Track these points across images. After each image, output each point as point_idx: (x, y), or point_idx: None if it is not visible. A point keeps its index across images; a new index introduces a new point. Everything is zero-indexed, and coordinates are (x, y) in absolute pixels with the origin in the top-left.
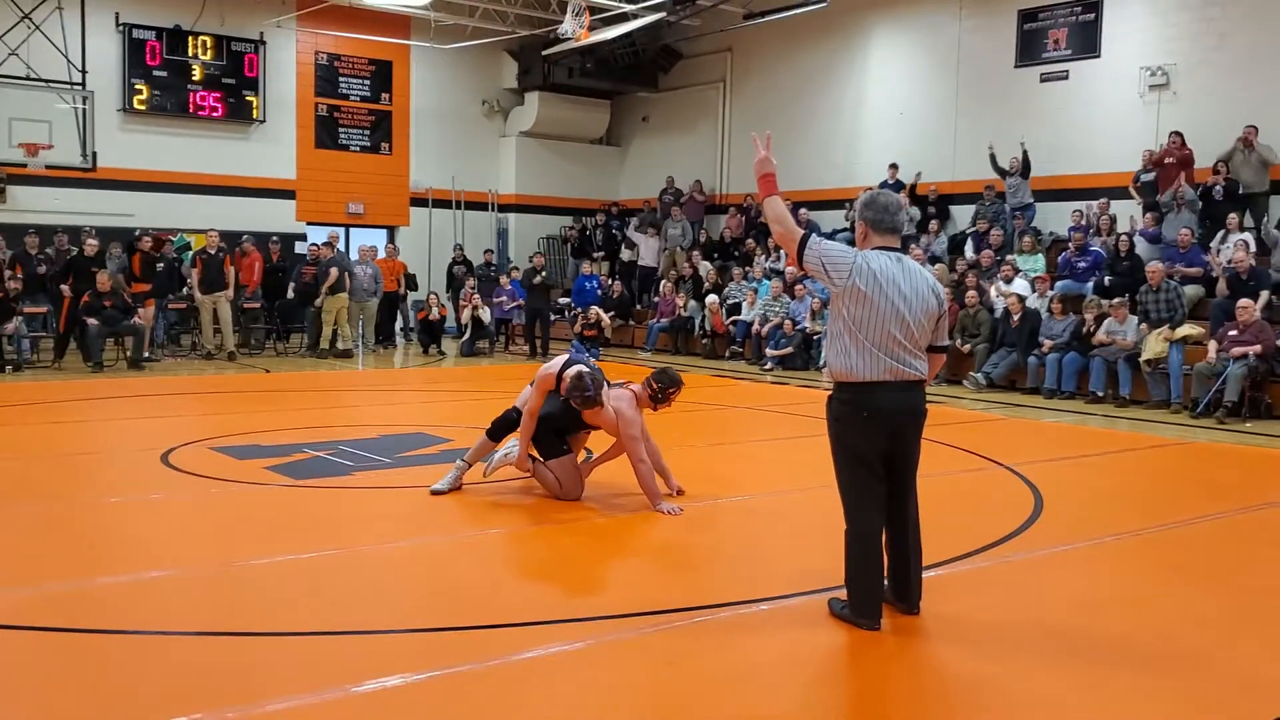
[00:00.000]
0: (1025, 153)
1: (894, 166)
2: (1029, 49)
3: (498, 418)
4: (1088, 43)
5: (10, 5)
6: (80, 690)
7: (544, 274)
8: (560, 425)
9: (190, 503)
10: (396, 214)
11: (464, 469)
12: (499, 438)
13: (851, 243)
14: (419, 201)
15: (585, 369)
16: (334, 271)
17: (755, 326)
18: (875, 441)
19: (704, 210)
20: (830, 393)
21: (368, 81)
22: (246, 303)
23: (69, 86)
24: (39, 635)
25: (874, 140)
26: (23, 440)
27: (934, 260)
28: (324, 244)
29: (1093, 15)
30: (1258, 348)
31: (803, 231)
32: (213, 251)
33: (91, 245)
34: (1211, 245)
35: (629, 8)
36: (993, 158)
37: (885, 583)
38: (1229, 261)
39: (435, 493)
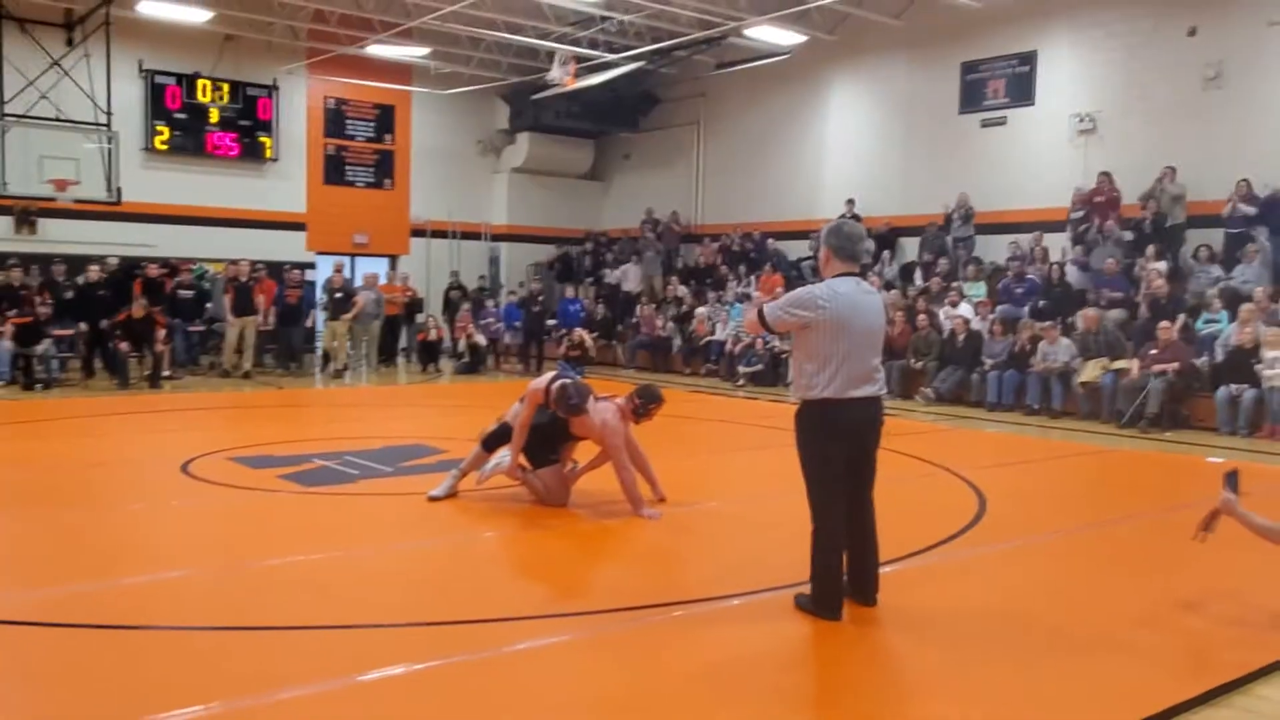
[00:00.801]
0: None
1: (850, 202)
2: (971, 97)
3: (490, 430)
4: (1024, 92)
5: (42, 52)
6: (104, 681)
7: (542, 299)
8: (549, 436)
9: (207, 509)
10: (398, 244)
11: (458, 477)
12: (492, 449)
13: (815, 269)
14: (418, 232)
15: (569, 381)
16: (359, 299)
17: (728, 346)
18: (843, 451)
19: (680, 239)
20: (799, 407)
21: (372, 123)
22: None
23: (95, 127)
24: (67, 631)
25: (833, 177)
26: (52, 452)
27: (888, 286)
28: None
29: (1028, 67)
30: (1176, 365)
31: (757, 318)
32: (244, 279)
33: (95, 273)
34: (1135, 273)
35: (611, 57)
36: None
37: (845, 579)
38: (1149, 287)
39: (433, 499)
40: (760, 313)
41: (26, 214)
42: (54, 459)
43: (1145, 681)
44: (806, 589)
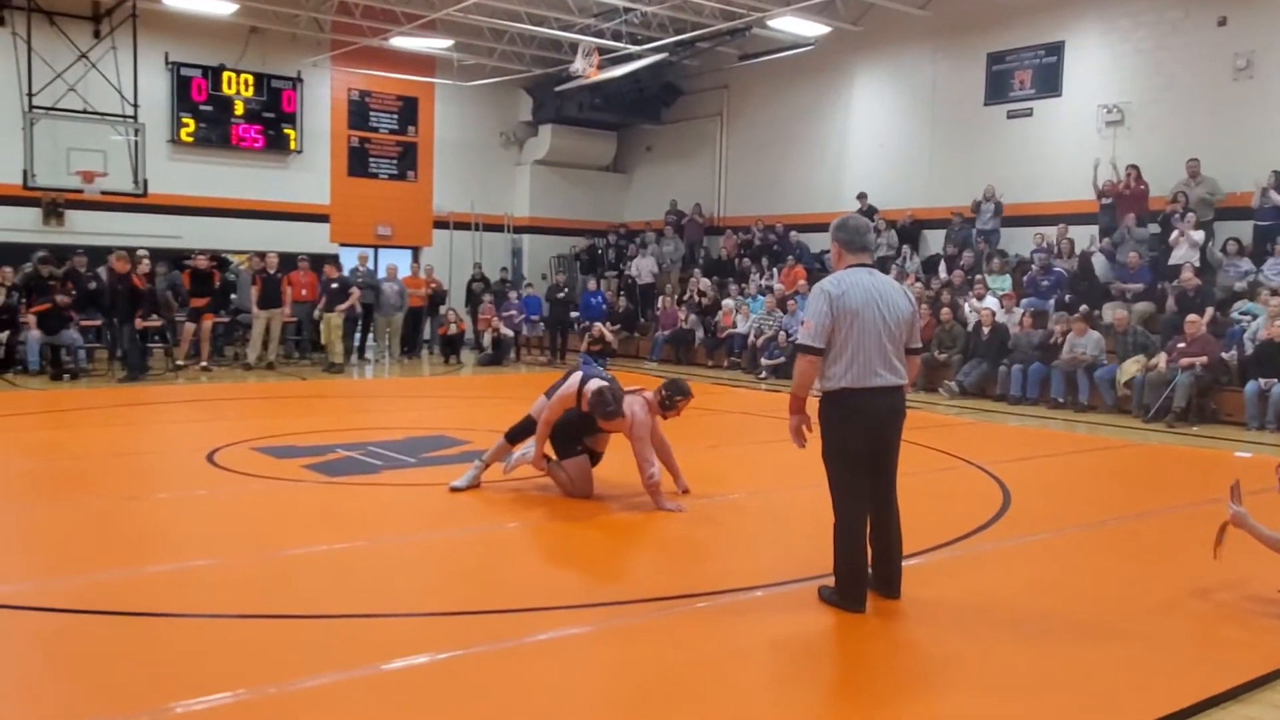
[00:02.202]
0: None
1: (862, 196)
2: (997, 88)
3: (516, 424)
4: (1050, 83)
5: (69, 44)
6: (132, 667)
7: (565, 291)
8: (575, 431)
9: (233, 498)
10: (421, 236)
11: (481, 468)
12: (515, 441)
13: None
14: (441, 224)
15: (604, 384)
16: (355, 291)
17: (750, 338)
18: (864, 442)
19: (703, 231)
20: (821, 398)
21: (395, 115)
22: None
23: (122, 119)
24: (95, 618)
25: (856, 169)
26: (80, 442)
27: (907, 278)
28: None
29: (1055, 58)
30: (1204, 358)
31: (802, 356)
32: (271, 271)
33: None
34: (1171, 240)
35: (634, 49)
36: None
37: (869, 570)
38: (1178, 281)
39: (454, 489)
40: (800, 350)
41: (55, 205)
42: (81, 448)
43: (1171, 677)
44: (830, 581)
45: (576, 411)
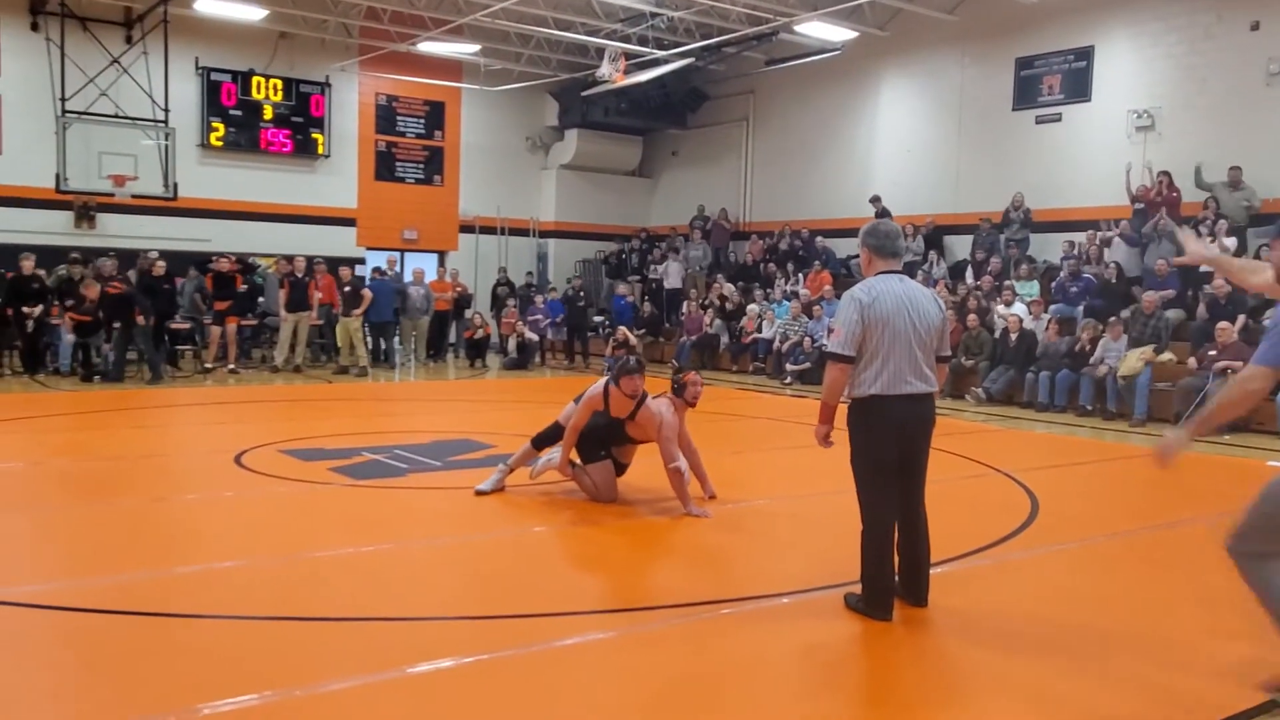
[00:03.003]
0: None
1: (875, 199)
2: (1025, 94)
3: (543, 430)
4: (1079, 88)
5: (102, 50)
6: (160, 668)
7: (583, 294)
8: (603, 437)
9: (260, 500)
10: (447, 240)
11: (506, 472)
12: (541, 447)
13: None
14: (467, 228)
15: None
16: (366, 294)
17: (775, 344)
18: (894, 449)
19: (729, 236)
20: (850, 405)
21: (422, 120)
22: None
23: (153, 124)
24: (125, 618)
25: (883, 175)
26: (109, 443)
27: (936, 284)
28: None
29: (1084, 63)
30: (1239, 363)
31: (832, 364)
32: (299, 275)
33: (160, 267)
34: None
35: (661, 54)
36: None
37: (896, 579)
38: (1209, 287)
39: (480, 493)
40: (831, 359)
41: (86, 209)
42: (111, 449)
43: (1201, 692)
44: (857, 588)
45: (604, 418)
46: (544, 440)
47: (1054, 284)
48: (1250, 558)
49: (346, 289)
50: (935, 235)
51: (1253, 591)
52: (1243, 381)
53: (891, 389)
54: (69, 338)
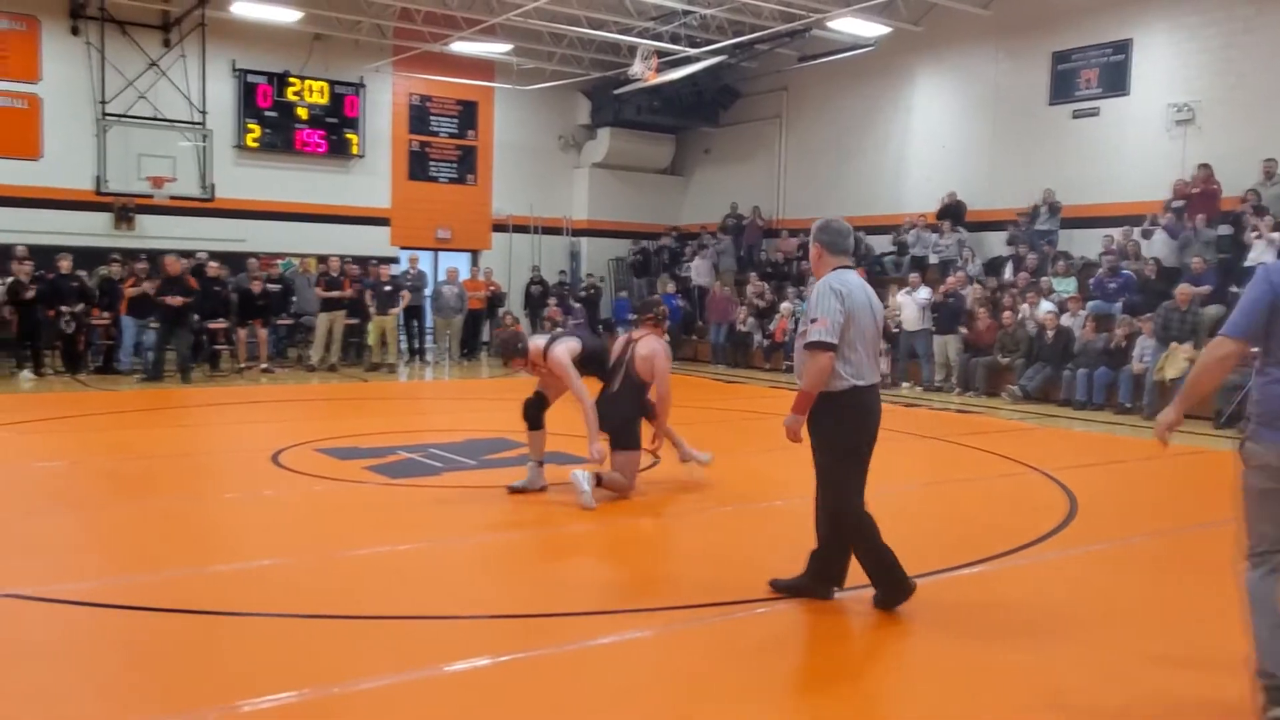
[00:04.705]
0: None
1: (952, 194)
2: (1062, 88)
3: (524, 407)
4: (1117, 81)
5: (141, 53)
6: (200, 664)
7: (594, 290)
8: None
9: (297, 499)
10: (480, 239)
11: (537, 469)
12: (535, 422)
13: (896, 264)
14: (500, 227)
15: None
16: (405, 295)
17: None
18: (867, 438)
19: (762, 234)
20: (826, 399)
21: (455, 120)
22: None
23: (190, 126)
24: (166, 615)
25: (918, 170)
26: (149, 442)
27: (972, 281)
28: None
29: (1122, 56)
30: None
31: (819, 353)
32: (335, 275)
33: (213, 267)
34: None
35: (693, 52)
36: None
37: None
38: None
39: (513, 491)
40: (819, 348)
41: (125, 210)
42: (150, 448)
43: (1244, 701)
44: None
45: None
46: (532, 410)
47: (1092, 280)
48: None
49: (385, 288)
50: (970, 228)
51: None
52: (1210, 349)
53: (867, 379)
54: (131, 323)
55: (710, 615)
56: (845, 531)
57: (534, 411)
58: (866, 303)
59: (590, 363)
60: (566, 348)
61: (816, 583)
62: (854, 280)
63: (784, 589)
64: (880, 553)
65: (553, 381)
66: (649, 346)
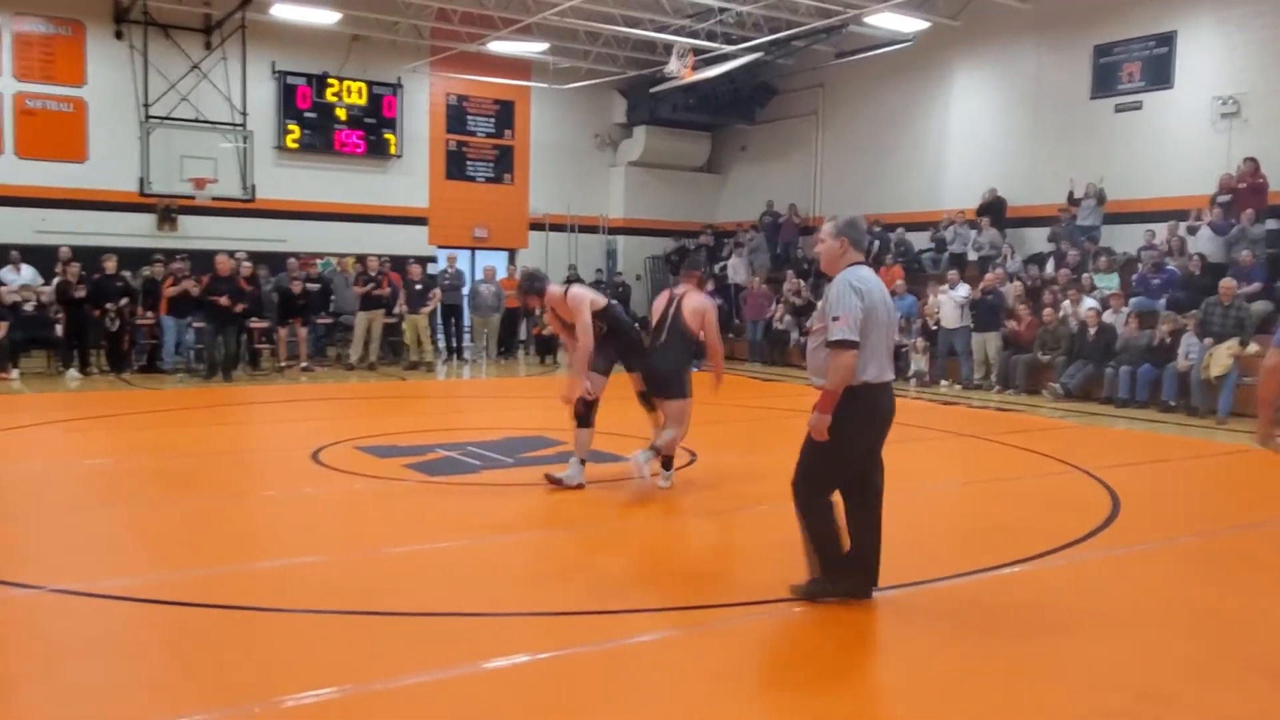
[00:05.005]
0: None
1: (992, 190)
2: (1104, 81)
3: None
4: (1161, 74)
5: (183, 56)
6: (242, 660)
7: (622, 290)
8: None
9: (337, 497)
10: (517, 238)
11: (578, 464)
12: (587, 420)
13: (934, 260)
14: (537, 226)
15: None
16: (436, 293)
17: None
18: (877, 437)
19: (799, 232)
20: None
21: (492, 119)
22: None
23: (232, 127)
24: (207, 611)
25: (957, 167)
26: (192, 440)
27: (1011, 278)
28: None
29: (1166, 49)
30: None
31: (843, 351)
32: (373, 274)
33: (248, 268)
34: None
35: (729, 49)
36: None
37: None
38: None
39: (550, 480)
40: (842, 346)
41: (168, 211)
42: (192, 446)
43: None
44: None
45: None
46: (584, 414)
47: (1134, 277)
48: None
49: (417, 286)
50: (1010, 224)
51: None
52: (1266, 359)
53: (881, 376)
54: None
55: (748, 614)
56: (814, 522)
57: (584, 409)
58: (882, 300)
59: (613, 330)
60: (591, 295)
61: (853, 582)
62: (871, 277)
63: (810, 594)
64: (830, 538)
65: (565, 331)
66: (698, 300)
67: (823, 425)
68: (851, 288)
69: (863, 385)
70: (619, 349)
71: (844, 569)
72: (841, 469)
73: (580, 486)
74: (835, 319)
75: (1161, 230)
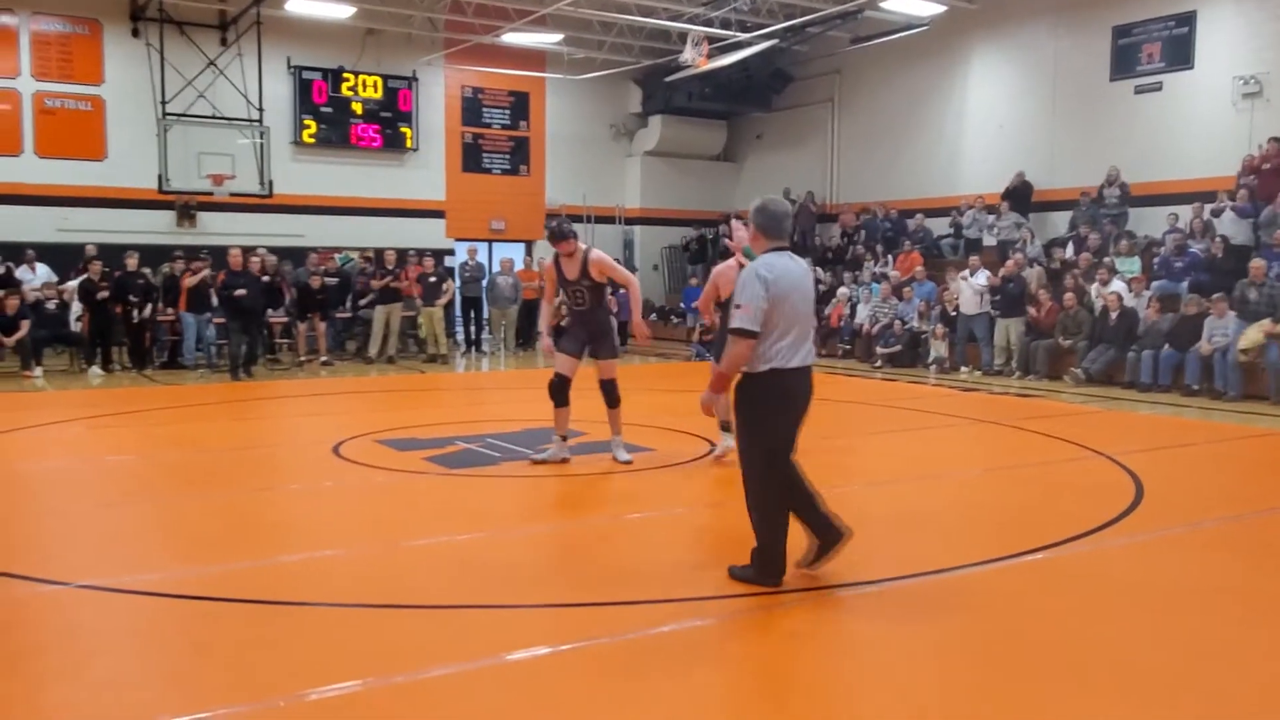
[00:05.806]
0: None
1: (1020, 174)
2: (1123, 63)
3: (550, 388)
4: (1181, 55)
5: (199, 53)
6: (267, 654)
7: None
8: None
9: (359, 490)
10: (533, 229)
11: (561, 442)
12: (563, 400)
13: (953, 246)
14: (553, 217)
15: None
16: (449, 285)
17: (865, 326)
18: (794, 421)
19: (815, 219)
20: (748, 381)
21: (508, 111)
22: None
23: (248, 123)
24: (230, 605)
25: (974, 151)
26: (214, 435)
27: (1032, 263)
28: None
29: (1186, 29)
30: None
31: (739, 340)
32: (390, 268)
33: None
34: None
35: (744, 36)
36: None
37: (816, 533)
38: None
39: (535, 462)
40: (739, 334)
41: (187, 208)
42: (215, 441)
43: None
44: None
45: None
46: (558, 394)
47: (1156, 260)
48: None
49: (431, 279)
50: (1032, 209)
51: None
52: None
53: (790, 362)
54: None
55: (770, 604)
56: (759, 510)
57: (559, 391)
58: (797, 286)
59: (593, 310)
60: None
61: (825, 538)
62: (782, 263)
63: (808, 563)
64: (779, 544)
65: (561, 289)
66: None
67: (709, 403)
68: (758, 276)
69: (771, 371)
70: (591, 334)
71: (779, 564)
72: (779, 451)
73: (565, 461)
74: (738, 306)
75: (1185, 212)
